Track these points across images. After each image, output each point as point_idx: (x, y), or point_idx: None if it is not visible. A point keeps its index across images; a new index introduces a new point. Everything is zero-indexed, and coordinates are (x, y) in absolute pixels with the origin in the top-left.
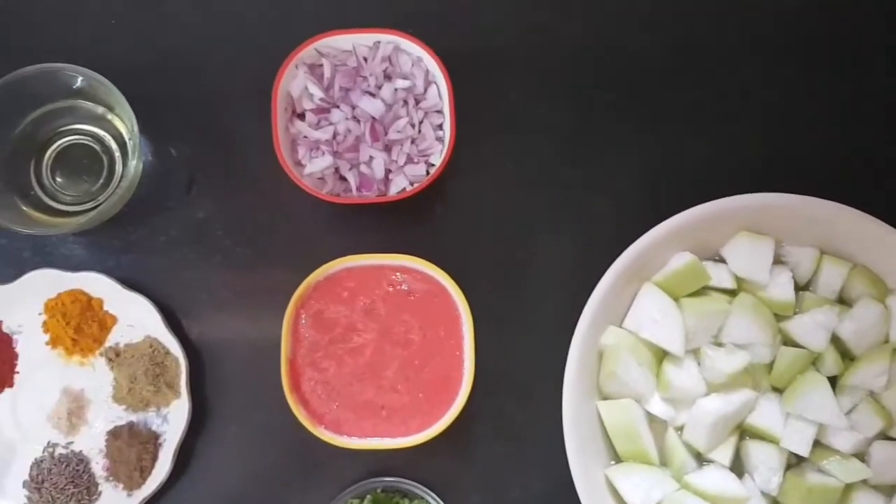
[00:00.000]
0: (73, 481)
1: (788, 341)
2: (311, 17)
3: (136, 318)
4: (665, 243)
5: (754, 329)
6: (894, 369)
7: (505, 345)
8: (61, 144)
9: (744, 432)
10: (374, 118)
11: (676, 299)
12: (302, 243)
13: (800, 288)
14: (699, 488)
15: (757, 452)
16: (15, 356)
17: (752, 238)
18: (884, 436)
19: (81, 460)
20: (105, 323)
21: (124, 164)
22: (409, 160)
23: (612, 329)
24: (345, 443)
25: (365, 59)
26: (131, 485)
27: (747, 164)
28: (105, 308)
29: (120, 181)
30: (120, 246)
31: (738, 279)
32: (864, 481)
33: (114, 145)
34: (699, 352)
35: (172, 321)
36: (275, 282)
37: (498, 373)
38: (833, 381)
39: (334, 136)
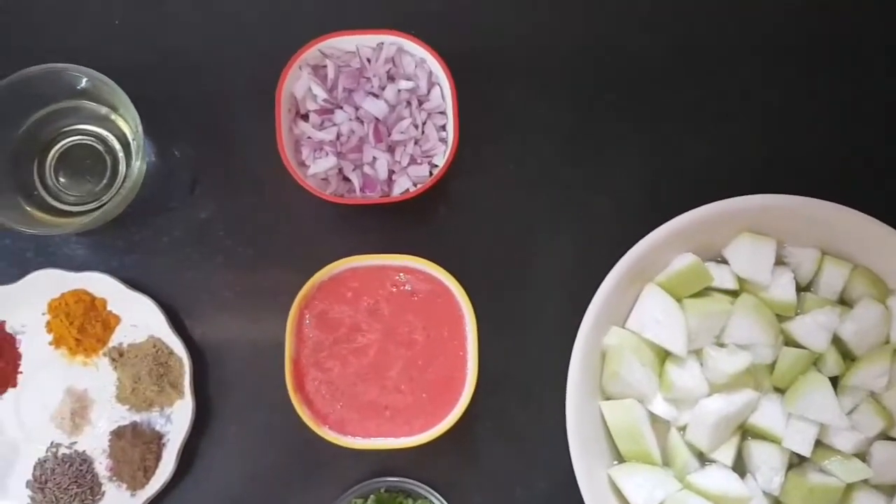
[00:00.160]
0: (76, 481)
1: (790, 342)
2: (313, 18)
3: (139, 318)
4: (667, 244)
5: (756, 330)
6: (895, 370)
7: (507, 345)
8: (65, 145)
9: (746, 432)
10: (377, 119)
11: (679, 300)
12: (305, 244)
13: (801, 289)
14: (702, 488)
15: (759, 452)
16: (18, 356)
17: (754, 239)
18: (885, 436)
19: (85, 460)
20: (108, 323)
21: (128, 165)
22: (413, 161)
23: (615, 329)
24: (349, 443)
25: (368, 61)
26: (135, 485)
27: (747, 164)
28: (109, 308)
29: (123, 182)
30: (123, 246)
31: (740, 280)
32: (866, 481)
33: (117, 146)
34: (701, 352)
35: (175, 321)
36: (277, 282)
37: (500, 373)
38: (834, 381)
39: (338, 136)
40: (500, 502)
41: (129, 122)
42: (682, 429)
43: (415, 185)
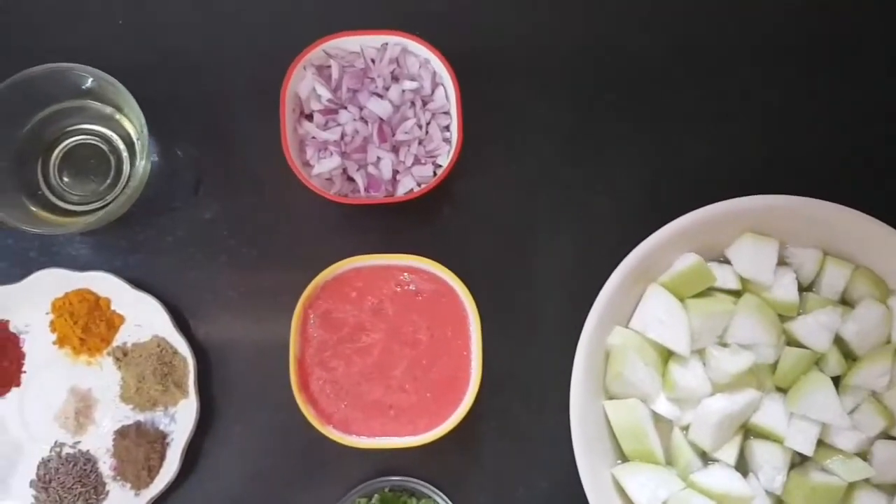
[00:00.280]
0: (80, 481)
1: (792, 342)
2: (316, 19)
3: (143, 318)
4: (670, 244)
5: (759, 329)
6: None
7: (510, 345)
8: (69, 144)
9: (748, 432)
10: (381, 119)
11: (682, 300)
12: (309, 244)
13: (803, 289)
14: (704, 487)
15: (761, 452)
16: (22, 356)
17: (757, 239)
18: (886, 435)
19: (89, 460)
20: (113, 322)
21: (132, 165)
22: (417, 161)
23: (619, 329)
24: (353, 442)
25: (373, 61)
26: (139, 484)
27: (747, 164)
28: (113, 307)
29: (128, 181)
30: (126, 246)
31: (743, 280)
32: (867, 480)
33: (121, 145)
34: (704, 352)
35: (179, 321)
36: (281, 282)
37: (503, 372)
38: (836, 381)
39: (342, 136)
40: (504, 502)
41: (133, 122)
42: (685, 428)
43: (419, 185)
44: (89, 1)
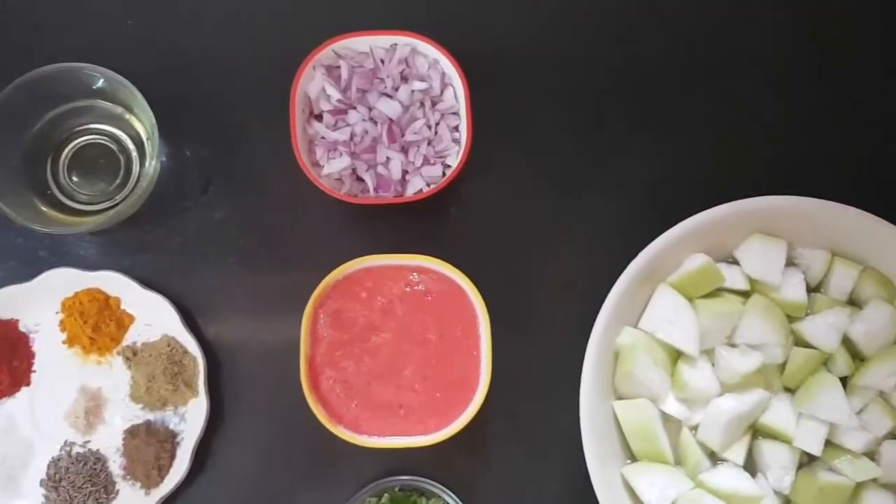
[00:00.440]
0: (90, 480)
1: (800, 342)
2: (324, 19)
3: (153, 317)
4: (679, 245)
5: (767, 330)
6: None
7: (519, 344)
8: (78, 144)
9: (757, 432)
10: (391, 119)
11: (691, 300)
12: (318, 243)
13: (811, 289)
14: (713, 487)
15: (770, 451)
16: (32, 355)
17: (765, 240)
18: (893, 435)
19: (99, 459)
20: (122, 322)
21: (141, 164)
22: (426, 161)
23: (628, 329)
24: (364, 442)
25: (382, 61)
26: (149, 483)
27: (749, 165)
28: (122, 307)
29: (138, 181)
30: (136, 246)
31: (752, 281)
32: (875, 480)
33: (131, 145)
34: (713, 352)
35: (189, 320)
36: (291, 282)
37: (513, 372)
38: (844, 381)
39: (351, 137)
40: (513, 501)
41: (143, 122)
42: (694, 428)
43: (428, 185)
44: (99, 1)
